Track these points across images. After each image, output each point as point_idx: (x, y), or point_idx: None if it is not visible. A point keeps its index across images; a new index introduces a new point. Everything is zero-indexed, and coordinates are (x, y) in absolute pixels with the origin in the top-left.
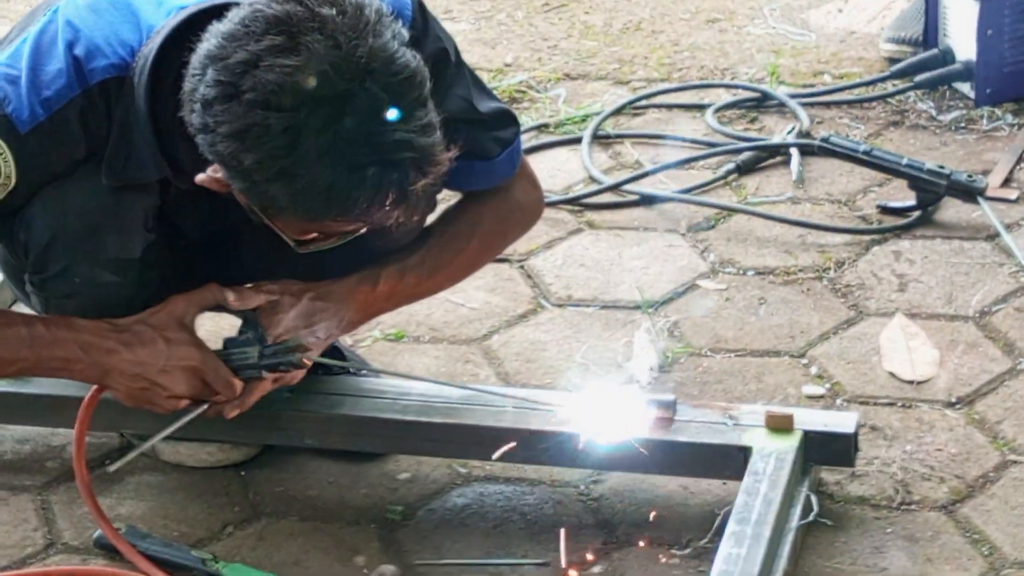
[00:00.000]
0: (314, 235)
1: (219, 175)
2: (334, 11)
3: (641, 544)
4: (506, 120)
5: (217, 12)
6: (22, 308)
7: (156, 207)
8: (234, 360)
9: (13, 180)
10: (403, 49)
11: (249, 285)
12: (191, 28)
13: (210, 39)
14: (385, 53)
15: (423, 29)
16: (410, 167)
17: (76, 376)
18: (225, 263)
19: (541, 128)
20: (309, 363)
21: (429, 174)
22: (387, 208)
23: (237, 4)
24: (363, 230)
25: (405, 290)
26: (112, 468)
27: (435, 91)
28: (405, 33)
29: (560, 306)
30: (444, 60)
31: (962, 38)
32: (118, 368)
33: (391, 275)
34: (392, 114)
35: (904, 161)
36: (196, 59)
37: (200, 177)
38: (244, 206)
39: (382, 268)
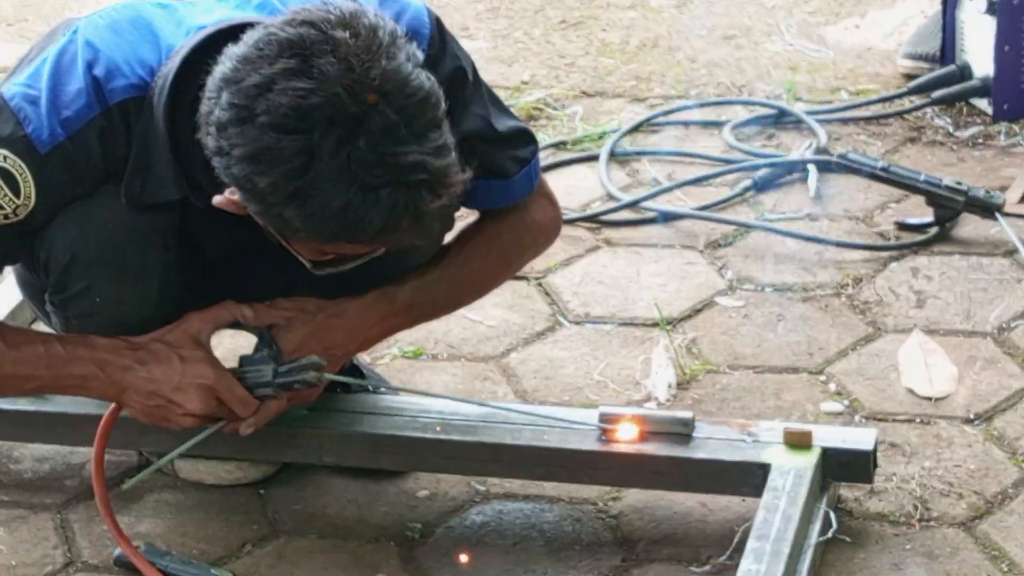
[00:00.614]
0: (330, 256)
1: (235, 197)
2: (347, 34)
3: (660, 560)
4: (524, 138)
5: (235, 32)
6: (41, 327)
7: (176, 226)
8: (249, 378)
9: (33, 200)
10: (417, 71)
11: (265, 303)
12: (210, 48)
13: (225, 62)
14: (399, 75)
15: (440, 47)
16: (424, 189)
17: (92, 394)
18: (242, 280)
19: (558, 146)
20: (324, 382)
21: (443, 196)
22: (401, 230)
23: (255, 25)
24: (380, 252)
25: (422, 308)
26: (126, 486)
27: (452, 109)
28: (420, 55)
29: (578, 323)
30: (461, 78)
31: (979, 54)
32: (134, 386)
33: (408, 293)
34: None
35: (922, 177)
36: (211, 82)
37: (217, 199)
38: (261, 227)
39: (399, 286)
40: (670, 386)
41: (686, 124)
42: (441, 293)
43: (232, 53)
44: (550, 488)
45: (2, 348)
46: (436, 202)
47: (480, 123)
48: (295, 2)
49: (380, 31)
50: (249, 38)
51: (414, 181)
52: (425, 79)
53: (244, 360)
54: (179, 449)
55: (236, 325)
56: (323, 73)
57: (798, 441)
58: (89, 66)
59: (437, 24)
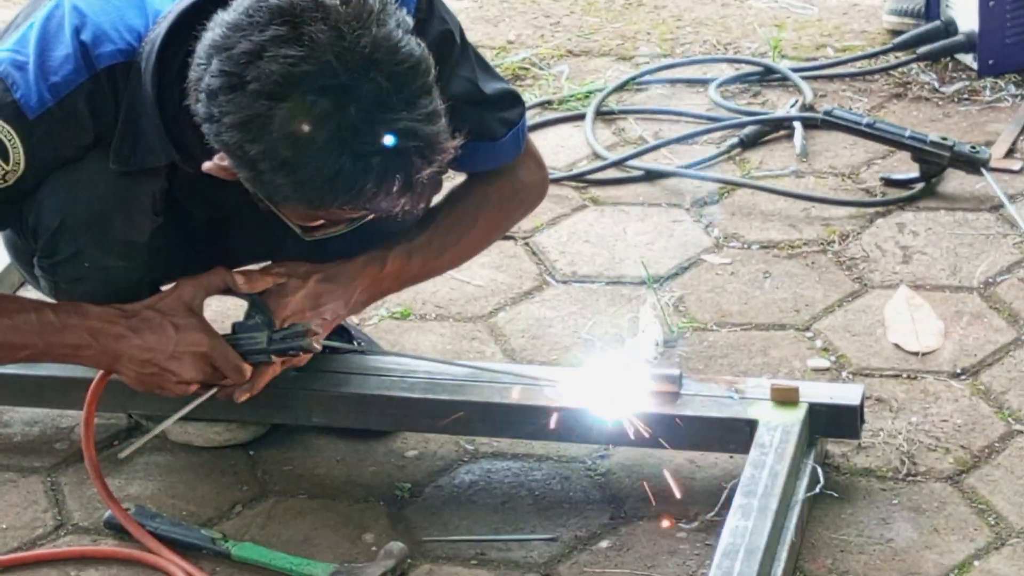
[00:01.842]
0: (320, 222)
1: (225, 163)
2: (338, 1)
3: (648, 518)
4: (511, 101)
5: None
6: (30, 290)
7: (164, 191)
8: (243, 345)
9: (22, 166)
10: (407, 37)
11: (257, 267)
12: (198, 13)
13: (215, 28)
14: (389, 42)
15: (428, 11)
16: (415, 155)
17: (85, 362)
18: (232, 246)
19: (544, 105)
20: (319, 347)
21: (434, 162)
22: (392, 196)
23: None
24: (369, 217)
25: (412, 270)
26: (122, 455)
27: (440, 73)
28: (410, 21)
29: (565, 282)
30: (450, 42)
31: (964, 9)
32: (127, 354)
33: (398, 256)
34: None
35: (907, 133)
36: (201, 48)
37: (207, 165)
38: (251, 192)
39: (389, 249)
40: (657, 344)
41: (672, 82)
42: (431, 255)
43: (222, 20)
44: (538, 447)
45: None
46: (427, 168)
47: (468, 86)
48: None
49: None
50: (239, 4)
51: (405, 148)
52: (415, 45)
53: (237, 327)
54: (174, 416)
55: (228, 291)
56: (313, 40)
57: (785, 397)
58: (76, 31)
59: None
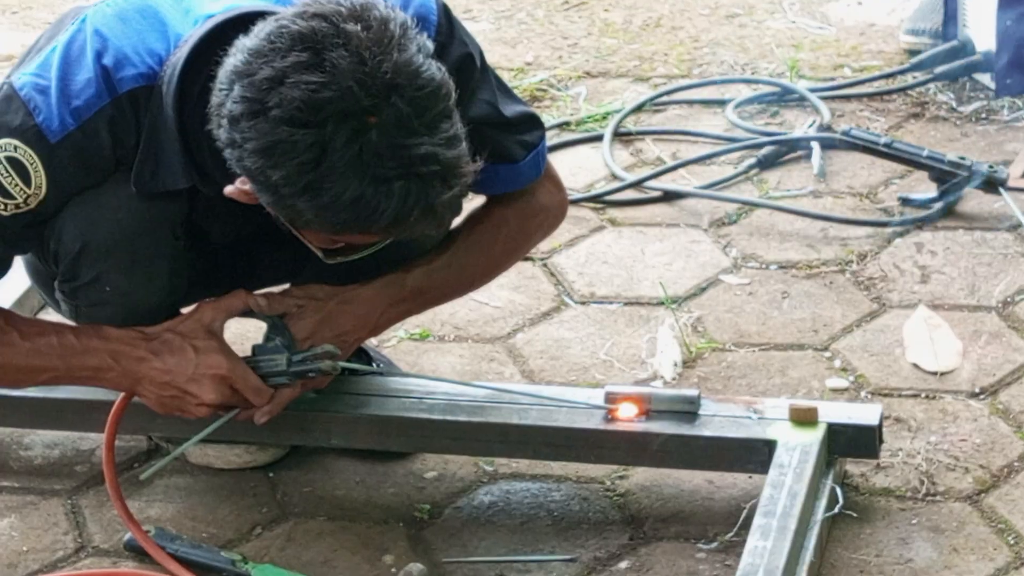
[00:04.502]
0: (341, 245)
1: (247, 187)
2: (359, 27)
3: (668, 539)
4: (531, 123)
5: (244, 21)
6: (50, 313)
7: (185, 214)
8: (263, 367)
9: (44, 190)
10: (428, 62)
11: (277, 290)
12: (219, 38)
13: (236, 54)
14: (410, 68)
15: (448, 34)
16: (436, 180)
17: (107, 385)
18: (252, 268)
19: (562, 126)
20: (338, 370)
21: (455, 186)
22: (413, 220)
23: (262, 14)
24: (389, 240)
25: (431, 293)
26: (144, 476)
27: (461, 96)
28: (430, 45)
29: (583, 303)
30: (470, 65)
31: (981, 29)
32: (148, 376)
33: (418, 278)
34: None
35: (925, 153)
36: (223, 74)
37: (228, 189)
38: (272, 216)
39: (409, 271)
40: (676, 364)
41: (689, 103)
42: (450, 278)
43: (243, 46)
44: (557, 467)
45: (16, 339)
46: (448, 192)
47: (488, 109)
48: None
49: (391, 23)
50: (260, 31)
51: (426, 172)
52: (436, 70)
53: (257, 349)
54: (196, 437)
55: (248, 313)
56: (335, 66)
57: (804, 417)
58: (98, 55)
59: (444, 11)
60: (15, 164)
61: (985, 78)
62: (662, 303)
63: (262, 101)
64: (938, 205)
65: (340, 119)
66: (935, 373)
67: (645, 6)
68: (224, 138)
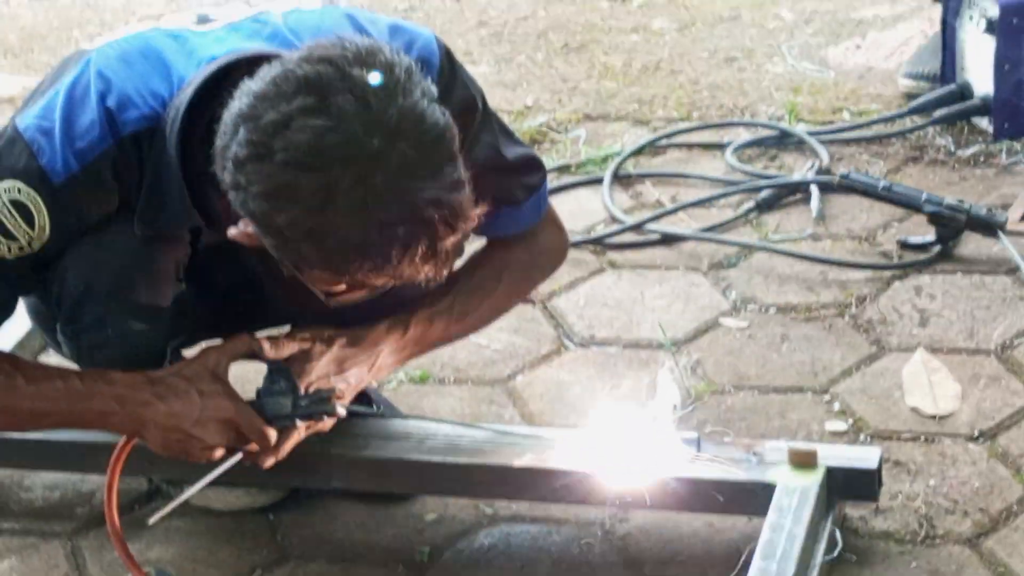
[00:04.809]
0: (344, 288)
1: (250, 230)
2: (364, 71)
3: None
4: (533, 166)
5: (248, 64)
6: (52, 355)
7: (188, 256)
8: (268, 410)
9: (47, 231)
10: (433, 106)
11: (279, 332)
12: (222, 80)
13: (241, 98)
14: (415, 112)
15: (451, 77)
16: (440, 224)
17: (112, 428)
18: (255, 310)
19: (562, 169)
20: (343, 413)
21: (459, 230)
22: (417, 264)
23: (267, 57)
24: (393, 283)
25: (434, 335)
26: (151, 521)
27: (463, 139)
28: (434, 90)
29: (583, 346)
30: (472, 108)
31: (979, 73)
32: (153, 420)
33: (420, 320)
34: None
35: (923, 196)
36: (227, 117)
37: (232, 232)
38: (275, 258)
39: (412, 314)
40: (675, 407)
41: (689, 146)
42: (452, 321)
43: (248, 89)
44: (557, 510)
45: (21, 383)
46: (452, 236)
47: (490, 152)
48: (306, 32)
49: (396, 68)
50: (265, 74)
51: (430, 217)
52: (440, 114)
53: (262, 392)
54: (203, 481)
55: (252, 356)
56: (341, 110)
57: (803, 460)
58: (102, 97)
59: (447, 54)
60: (18, 206)
61: (983, 122)
62: (661, 346)
63: (267, 145)
64: (936, 249)
65: (345, 163)
66: (934, 416)
67: (644, 50)
68: (228, 181)
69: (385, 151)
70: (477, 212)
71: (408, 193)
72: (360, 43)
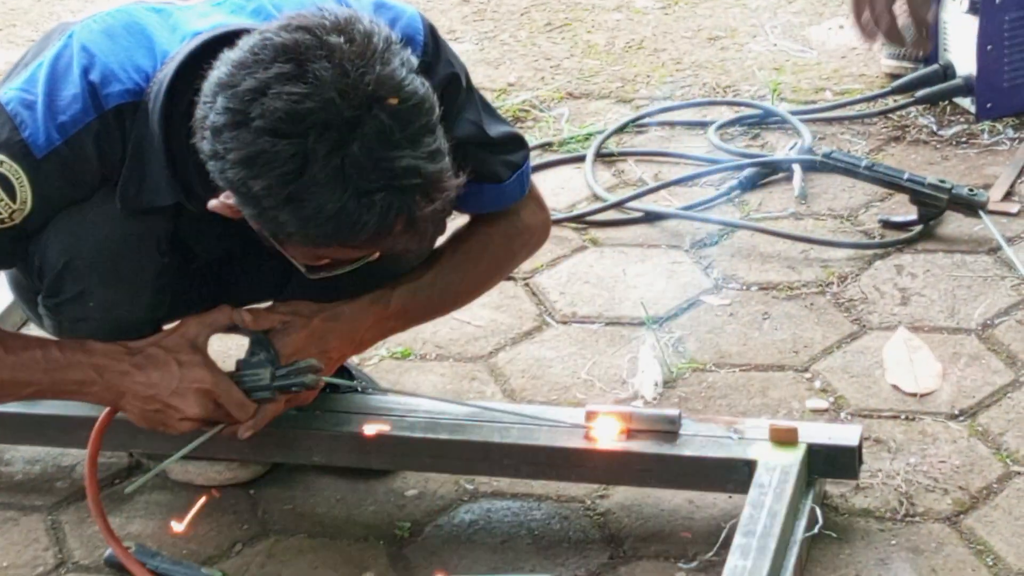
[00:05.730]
0: (325, 261)
1: (230, 201)
2: (342, 39)
3: (648, 558)
4: (516, 144)
5: (231, 39)
6: (32, 328)
7: (169, 230)
8: (247, 382)
9: (29, 204)
10: (411, 76)
11: (262, 306)
12: (205, 54)
13: (220, 67)
14: (392, 80)
15: (435, 54)
16: (418, 193)
17: (90, 399)
18: (236, 285)
19: (545, 147)
20: (322, 384)
21: (437, 200)
22: (395, 234)
23: (249, 31)
24: (373, 256)
25: (416, 310)
26: (128, 490)
27: (446, 116)
28: (414, 60)
29: (565, 323)
30: (455, 85)
31: (962, 53)
32: (132, 391)
33: (402, 296)
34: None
35: (905, 176)
36: (207, 86)
37: (212, 203)
38: (256, 232)
39: (393, 289)
40: (656, 384)
41: (671, 124)
42: (434, 297)
43: (227, 58)
44: (538, 486)
45: (0, 353)
46: (429, 206)
47: (473, 128)
48: (290, 7)
49: (375, 37)
50: (244, 43)
51: (408, 185)
52: (419, 84)
53: (241, 364)
54: (181, 452)
55: (232, 328)
56: (318, 78)
57: (784, 438)
58: (85, 71)
59: (431, 31)
60: (0, 179)
61: (966, 102)
62: (643, 323)
63: (245, 112)
64: (918, 228)
65: (322, 130)
66: (915, 395)
67: (628, 28)
68: (207, 150)
69: (362, 118)
70: (456, 183)
71: (385, 161)
72: (339, 12)
